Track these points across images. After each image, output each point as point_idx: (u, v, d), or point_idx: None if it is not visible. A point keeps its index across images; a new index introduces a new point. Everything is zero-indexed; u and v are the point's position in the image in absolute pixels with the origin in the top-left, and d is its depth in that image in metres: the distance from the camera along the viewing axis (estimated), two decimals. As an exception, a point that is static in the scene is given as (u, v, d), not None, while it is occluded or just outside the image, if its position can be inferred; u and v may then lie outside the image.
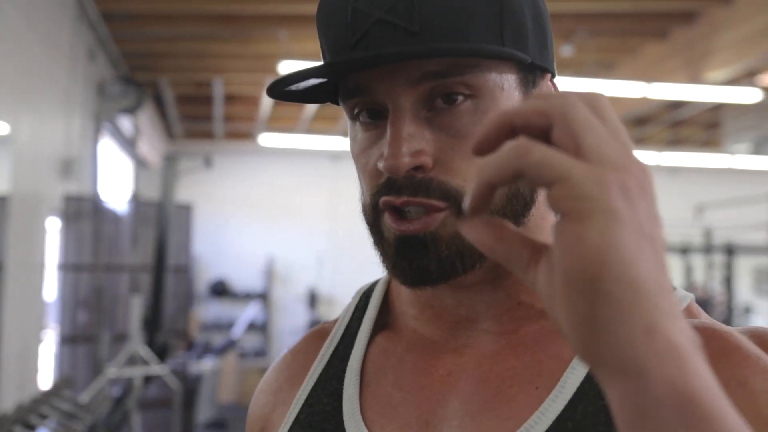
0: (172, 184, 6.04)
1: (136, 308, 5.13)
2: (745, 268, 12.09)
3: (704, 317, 0.67)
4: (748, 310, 11.77)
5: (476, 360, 0.68)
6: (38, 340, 5.03)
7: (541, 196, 0.67)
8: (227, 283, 11.73)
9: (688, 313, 0.66)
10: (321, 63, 0.62)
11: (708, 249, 11.09)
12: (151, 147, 9.74)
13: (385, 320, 0.77)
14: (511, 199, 0.64)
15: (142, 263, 5.79)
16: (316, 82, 0.66)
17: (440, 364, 0.69)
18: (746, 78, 7.84)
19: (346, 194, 12.83)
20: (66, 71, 5.78)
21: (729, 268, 11.08)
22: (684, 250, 11.56)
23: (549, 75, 0.70)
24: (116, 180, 8.23)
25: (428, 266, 0.63)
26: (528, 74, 0.67)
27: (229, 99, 9.72)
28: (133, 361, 4.98)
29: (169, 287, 6.00)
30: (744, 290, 12.21)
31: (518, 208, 0.65)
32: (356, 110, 0.66)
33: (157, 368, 5.05)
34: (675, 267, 12.93)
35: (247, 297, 11.69)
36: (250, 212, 11.87)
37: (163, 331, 5.73)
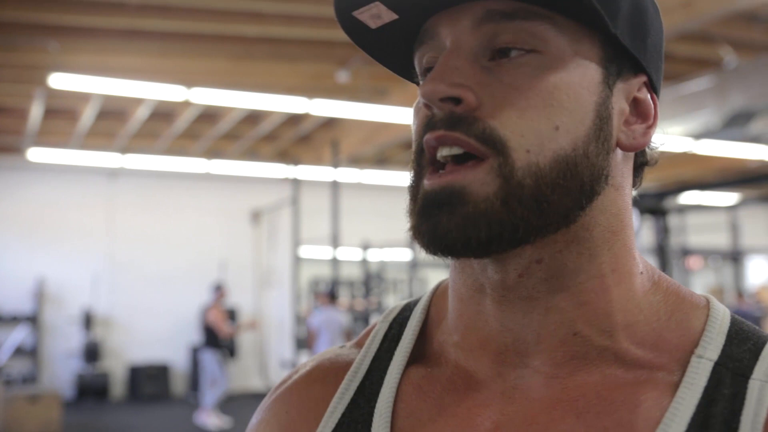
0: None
1: None
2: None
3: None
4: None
5: (527, 412, 0.56)
6: None
7: (615, 198, 0.58)
8: (-7, 306, 11.03)
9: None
10: None
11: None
12: None
13: (422, 351, 0.65)
14: (564, 173, 0.54)
15: None
16: (389, 20, 0.58)
17: (486, 414, 0.58)
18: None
19: (124, 212, 12.52)
20: None
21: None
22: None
23: (643, 78, 0.60)
24: None
25: (448, 227, 0.53)
26: (613, 61, 0.57)
27: (-6, 111, 9.19)
28: None
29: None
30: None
31: (571, 190, 0.54)
32: (426, 66, 0.60)
33: None
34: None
35: (14, 320, 11.06)
36: (18, 231, 11.24)
37: None
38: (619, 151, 0.58)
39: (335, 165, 9.65)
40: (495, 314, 0.58)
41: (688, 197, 7.96)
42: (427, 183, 0.55)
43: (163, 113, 9.75)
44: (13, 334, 10.37)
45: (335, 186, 9.59)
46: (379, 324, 0.69)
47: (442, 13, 0.57)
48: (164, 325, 11.51)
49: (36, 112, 8.65)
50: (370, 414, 0.61)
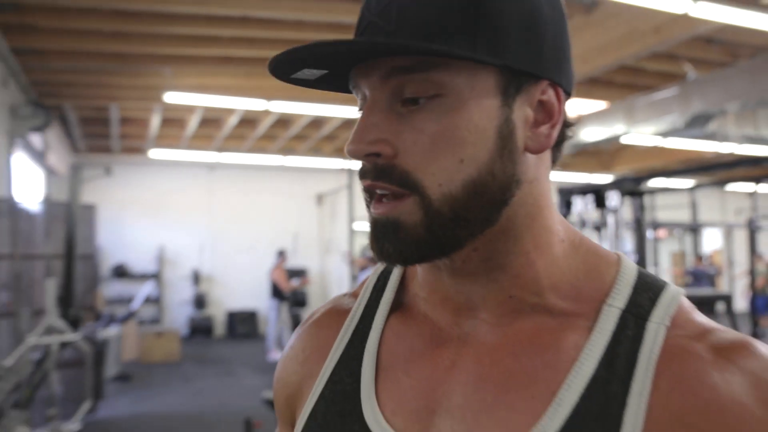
0: (78, 189, 5.74)
1: (51, 289, 4.85)
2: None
3: (696, 314, 0.55)
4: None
5: (477, 354, 0.56)
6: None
7: (525, 196, 0.55)
8: (126, 267, 11.20)
9: (684, 310, 0.54)
10: (316, 42, 0.49)
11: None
12: (59, 159, 9.14)
13: (400, 300, 0.64)
14: (473, 195, 0.52)
15: (55, 252, 5.47)
16: (321, 74, 0.55)
17: (445, 354, 0.57)
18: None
19: (220, 196, 12.63)
20: (-15, 97, 5.36)
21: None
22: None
23: (545, 83, 0.54)
24: (28, 185, 7.68)
25: (389, 249, 0.52)
26: (511, 80, 0.52)
27: (125, 121, 9.29)
28: (50, 331, 4.72)
29: (79, 271, 5.70)
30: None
31: (483, 206, 0.52)
32: (358, 103, 0.56)
33: (70, 336, 4.80)
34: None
35: (143, 277, 11.23)
36: (144, 211, 11.39)
37: (75, 306, 5.44)
38: (528, 155, 0.54)
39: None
40: (449, 283, 0.57)
41: (657, 182, 7.81)
42: (373, 211, 0.53)
43: (249, 120, 9.82)
44: (143, 288, 10.54)
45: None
46: (370, 278, 0.68)
47: (359, 67, 0.53)
48: (252, 281, 11.60)
49: (155, 121, 8.76)
50: (362, 352, 0.61)
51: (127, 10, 5.29)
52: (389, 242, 0.52)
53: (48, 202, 5.95)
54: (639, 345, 0.50)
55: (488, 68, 0.50)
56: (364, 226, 11.97)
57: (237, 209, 11.80)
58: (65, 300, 5.26)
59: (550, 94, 0.53)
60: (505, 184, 0.52)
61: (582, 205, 5.56)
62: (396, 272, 0.65)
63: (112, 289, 11.05)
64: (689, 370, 0.48)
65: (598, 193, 5.46)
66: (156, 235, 11.49)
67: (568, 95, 0.56)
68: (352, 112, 8.23)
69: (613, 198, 5.26)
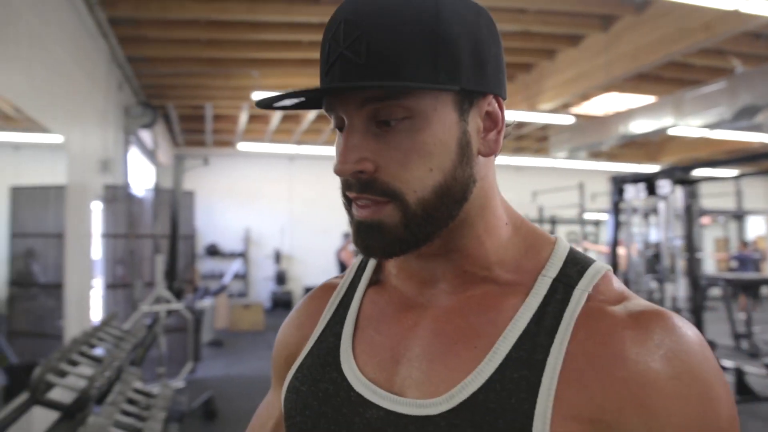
0: (180, 177, 5.93)
1: (159, 264, 5.05)
2: (562, 232, 12.60)
3: (617, 285, 0.58)
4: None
5: (435, 315, 0.60)
6: (90, 288, 4.91)
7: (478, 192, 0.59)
8: (217, 247, 11.52)
9: (606, 281, 0.57)
10: (299, 90, 0.53)
11: (540, 220, 11.51)
12: (163, 151, 9.48)
13: (377, 277, 0.69)
14: (442, 197, 0.55)
15: (161, 233, 5.69)
16: (298, 101, 0.57)
17: (409, 316, 0.62)
18: (563, 108, 8.16)
19: (299, 184, 12.79)
20: (102, 98, 5.60)
21: (552, 232, 11.50)
22: (524, 220, 11.91)
23: (490, 96, 0.57)
24: (139, 174, 8.01)
25: (375, 246, 0.56)
26: (465, 98, 0.55)
27: (217, 117, 9.53)
28: (158, 300, 4.91)
29: (180, 249, 5.91)
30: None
31: (449, 204, 0.56)
32: (333, 122, 0.58)
33: (175, 305, 5.00)
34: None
35: (231, 256, 11.53)
36: (233, 197, 11.67)
37: (178, 279, 5.65)
38: (478, 159, 0.58)
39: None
40: (416, 263, 0.62)
41: (705, 171, 7.45)
42: (357, 215, 0.57)
43: (324, 115, 9.88)
44: (232, 265, 10.84)
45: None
46: (355, 260, 0.73)
47: (336, 96, 0.55)
48: (325, 260, 11.71)
49: (243, 118, 8.95)
50: (344, 317, 0.66)
51: (221, 20, 5.41)
52: (373, 240, 0.56)
53: (156, 189, 6.18)
54: (565, 306, 0.54)
55: (447, 91, 0.54)
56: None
57: (313, 196, 11.92)
58: (170, 274, 5.46)
59: (494, 105, 0.58)
60: (465, 184, 0.56)
61: (633, 193, 5.37)
62: None
63: (206, 266, 11.38)
64: (603, 326, 0.52)
65: (650, 182, 5.25)
66: (243, 219, 11.72)
67: (504, 100, 0.60)
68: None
69: (664, 186, 5.05)
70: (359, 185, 0.55)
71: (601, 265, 0.58)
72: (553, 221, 11.00)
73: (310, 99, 0.57)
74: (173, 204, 5.76)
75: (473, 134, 0.56)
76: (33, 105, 3.63)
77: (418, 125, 0.54)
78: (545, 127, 9.85)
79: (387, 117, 0.54)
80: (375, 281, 0.69)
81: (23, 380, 3.46)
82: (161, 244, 5.47)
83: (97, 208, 5.46)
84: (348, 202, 0.58)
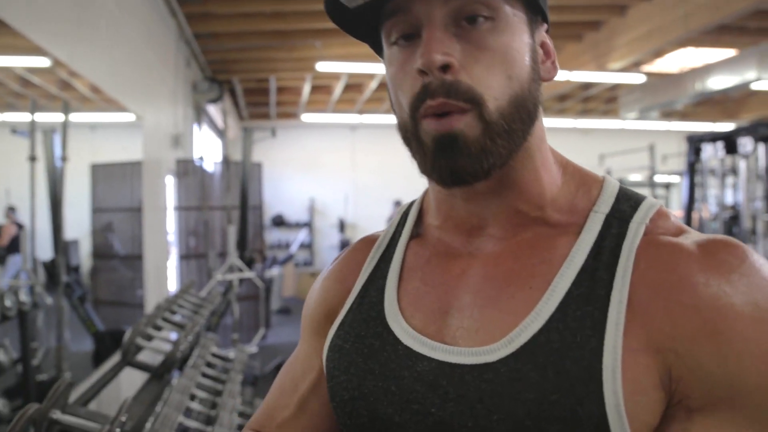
0: (249, 149, 6.06)
1: (231, 234, 5.21)
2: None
3: (675, 220, 0.56)
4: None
5: (484, 261, 0.58)
6: (166, 259, 5.13)
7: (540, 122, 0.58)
8: (284, 217, 11.76)
9: (663, 215, 0.55)
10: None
11: (608, 184, 11.14)
12: (230, 125, 9.72)
13: (418, 231, 0.67)
14: (518, 108, 0.53)
15: (232, 204, 5.86)
16: (363, 1, 0.53)
17: (457, 265, 0.59)
18: (634, 67, 7.78)
19: (362, 154, 12.84)
20: (172, 75, 5.76)
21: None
22: (592, 185, 11.55)
23: (545, 26, 0.60)
24: (208, 148, 8.25)
25: (463, 164, 0.52)
26: (534, 17, 0.57)
27: (281, 90, 9.65)
28: (231, 269, 5.08)
29: (249, 220, 6.07)
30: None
31: (524, 119, 0.54)
32: (393, 35, 0.55)
33: (247, 273, 5.15)
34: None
35: (297, 226, 11.74)
36: (298, 168, 11.85)
37: (248, 249, 5.82)
38: (541, 83, 0.57)
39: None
40: (463, 207, 0.59)
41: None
42: (432, 128, 0.52)
43: (356, 84, 9.86)
44: (298, 235, 11.08)
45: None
46: (395, 215, 0.71)
47: None
48: (390, 229, 11.78)
49: (306, 89, 9.02)
50: (387, 271, 0.64)
51: (283, -9, 5.43)
52: (458, 156, 0.52)
53: (224, 162, 6.36)
54: (622, 240, 0.52)
55: (521, 5, 0.55)
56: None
57: (376, 165, 11.94)
58: (241, 244, 5.63)
59: (547, 38, 0.59)
60: (535, 102, 0.55)
61: (711, 153, 5.07)
62: (414, 207, 0.69)
63: (272, 236, 11.61)
64: (666, 254, 0.50)
65: (730, 140, 4.94)
66: (307, 189, 11.89)
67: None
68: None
69: (746, 144, 4.73)
70: (444, 88, 0.51)
71: (654, 200, 0.56)
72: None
73: (369, 16, 0.56)
74: (243, 176, 5.90)
75: (538, 56, 0.57)
76: (112, 86, 3.78)
77: (501, 27, 0.53)
78: (614, 88, 9.44)
79: (474, 12, 0.52)
80: (416, 234, 0.67)
81: (109, 345, 3.69)
82: (232, 216, 5.63)
83: (170, 181, 5.67)
84: (414, 125, 0.55)
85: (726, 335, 0.45)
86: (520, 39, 0.54)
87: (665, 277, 0.49)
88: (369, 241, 0.71)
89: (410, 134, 0.56)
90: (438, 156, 0.53)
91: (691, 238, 0.52)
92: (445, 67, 0.51)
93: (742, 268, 0.47)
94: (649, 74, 8.13)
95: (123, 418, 1.77)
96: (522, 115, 0.54)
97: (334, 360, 0.62)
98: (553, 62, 0.59)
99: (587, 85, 9.10)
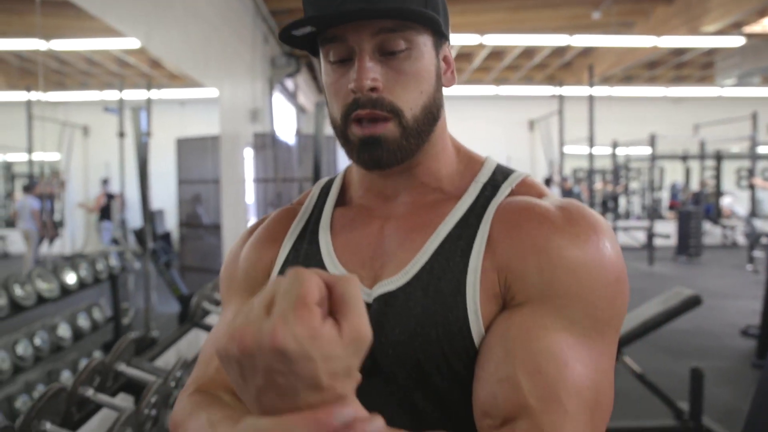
0: (322, 123, 6.19)
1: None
2: (729, 169, 11.40)
3: (540, 187, 0.71)
4: (722, 194, 11.04)
5: (396, 219, 0.72)
6: (245, 228, 5.38)
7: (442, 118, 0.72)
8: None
9: (528, 182, 0.71)
10: (320, 15, 0.63)
11: (702, 156, 10.49)
12: (307, 99, 9.94)
13: (341, 201, 0.79)
14: (426, 114, 0.67)
15: (306, 176, 6.05)
16: (309, 31, 0.66)
17: (376, 224, 0.72)
18: (733, 28, 7.22)
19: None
20: (249, 51, 5.96)
21: (717, 169, 10.47)
22: (684, 158, 10.96)
23: (447, 43, 0.71)
24: (285, 122, 8.49)
25: (381, 156, 0.66)
26: (438, 39, 0.69)
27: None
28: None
29: (323, 192, 6.21)
30: (728, 185, 11.54)
31: (431, 121, 0.68)
32: (331, 56, 0.67)
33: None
34: (677, 170, 12.31)
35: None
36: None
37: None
38: (443, 89, 0.70)
39: (591, 84, 8.96)
40: (381, 182, 0.73)
41: None
42: (360, 132, 0.66)
43: (464, 54, 9.73)
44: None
45: (591, 99, 8.93)
46: (314, 189, 0.82)
47: (350, 26, 0.64)
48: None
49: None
50: (317, 229, 0.75)
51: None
52: (379, 152, 0.66)
53: (299, 134, 6.54)
54: (492, 198, 0.68)
55: (430, 32, 0.67)
56: (574, 149, 11.37)
57: (456, 136, 11.89)
58: (314, 215, 5.80)
59: (448, 51, 0.72)
60: (438, 106, 0.69)
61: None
62: (337, 181, 0.81)
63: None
64: (519, 206, 0.66)
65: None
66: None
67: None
68: (561, 40, 7.75)
69: None
70: (371, 102, 0.65)
71: (522, 172, 0.73)
72: (718, 157, 9.98)
73: (309, 40, 0.68)
74: (315, 149, 6.07)
75: (441, 70, 0.70)
76: (190, 63, 3.99)
77: (414, 55, 0.66)
78: (710, 52, 8.81)
79: (393, 48, 0.65)
80: (340, 203, 0.79)
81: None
82: (306, 187, 5.81)
83: (248, 154, 5.92)
84: (344, 126, 0.67)
85: (547, 254, 0.61)
86: (429, 62, 0.67)
87: (514, 219, 0.65)
88: (287, 212, 0.80)
89: (340, 132, 0.69)
90: (362, 151, 0.67)
91: (549, 200, 0.67)
92: (373, 89, 0.65)
93: (574, 210, 0.64)
94: (750, 35, 7.53)
95: (178, 374, 1.95)
96: (429, 118, 0.68)
97: None
98: (452, 72, 0.73)
99: (679, 51, 8.56)
